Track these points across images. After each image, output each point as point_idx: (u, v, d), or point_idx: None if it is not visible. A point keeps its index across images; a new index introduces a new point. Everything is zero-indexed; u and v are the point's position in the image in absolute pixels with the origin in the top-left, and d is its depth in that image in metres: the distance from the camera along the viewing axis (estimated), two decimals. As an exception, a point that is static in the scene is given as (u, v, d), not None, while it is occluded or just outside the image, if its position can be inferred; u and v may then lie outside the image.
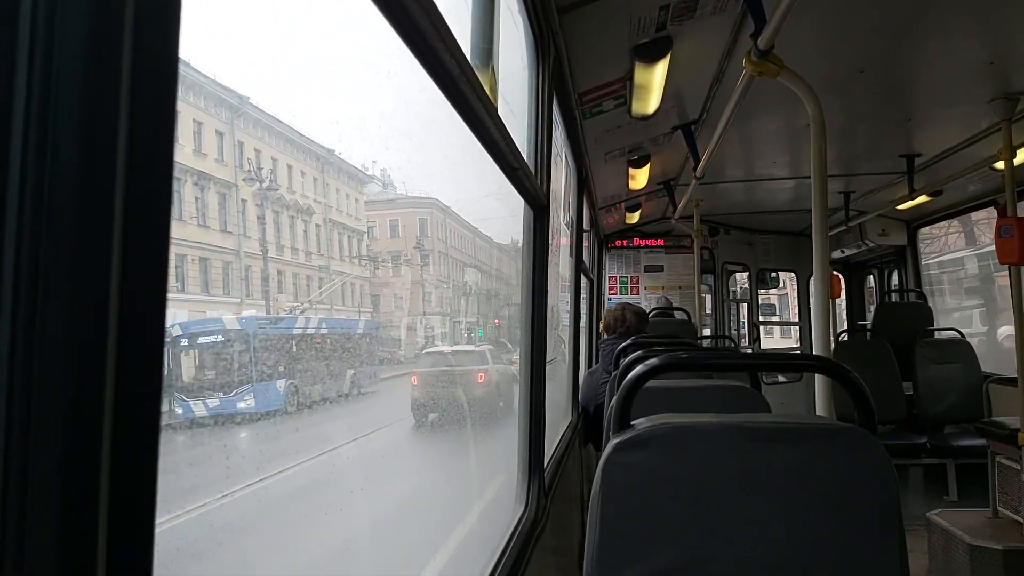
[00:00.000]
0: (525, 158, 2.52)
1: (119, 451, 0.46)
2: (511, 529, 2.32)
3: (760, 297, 11.22)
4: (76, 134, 0.45)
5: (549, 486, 2.99)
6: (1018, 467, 4.69)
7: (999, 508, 5.48)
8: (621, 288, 9.74)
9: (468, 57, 1.56)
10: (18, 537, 0.42)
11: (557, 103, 3.42)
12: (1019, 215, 4.57)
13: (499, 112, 1.91)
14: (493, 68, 1.95)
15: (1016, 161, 4.70)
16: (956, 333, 8.00)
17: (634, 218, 8.66)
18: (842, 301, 11.00)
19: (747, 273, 10.02)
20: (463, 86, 1.48)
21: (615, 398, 1.66)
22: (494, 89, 1.93)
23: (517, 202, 2.83)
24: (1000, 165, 4.67)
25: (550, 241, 3.21)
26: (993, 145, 4.80)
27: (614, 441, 1.55)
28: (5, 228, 0.43)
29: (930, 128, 5.39)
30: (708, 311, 9.92)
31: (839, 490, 1.48)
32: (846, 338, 9.39)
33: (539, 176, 2.74)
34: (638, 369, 1.65)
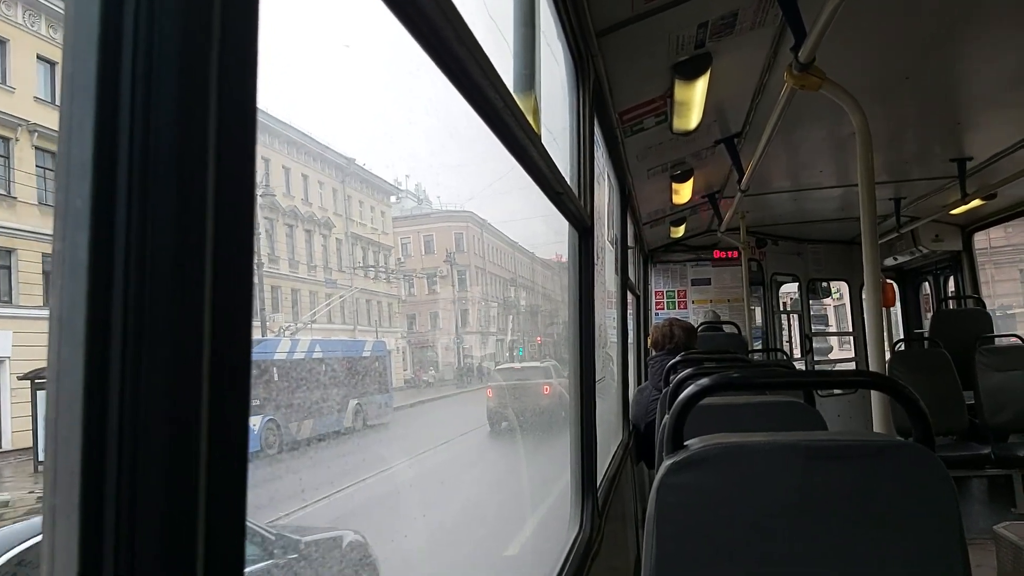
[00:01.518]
0: (568, 181, 2.56)
1: (214, 462, 0.50)
2: (567, 550, 2.33)
3: (812, 307, 11.02)
4: (173, 164, 0.50)
5: (603, 506, 2.99)
6: (1091, 478, 4.52)
7: (1072, 521, 5.28)
8: (668, 303, 9.67)
9: (510, 86, 1.61)
10: (129, 540, 0.47)
11: (598, 124, 3.46)
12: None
13: (542, 138, 1.95)
14: (535, 95, 1.99)
15: None
16: (1018, 339, 7.75)
17: (679, 232, 8.62)
18: (898, 309, 10.74)
19: (797, 284, 9.85)
20: (507, 118, 1.52)
21: (667, 418, 1.67)
22: (537, 115, 1.98)
23: (562, 223, 2.87)
24: (1057, 166, 4.54)
25: (595, 259, 3.24)
26: (1049, 145, 4.68)
27: (668, 462, 1.56)
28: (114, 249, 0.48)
29: (980, 131, 5.28)
30: (758, 323, 9.78)
31: (898, 508, 1.46)
32: (902, 347, 9.16)
33: (582, 198, 2.77)
34: (689, 390, 1.66)
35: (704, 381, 1.65)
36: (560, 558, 2.24)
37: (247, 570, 0.56)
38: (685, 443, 1.59)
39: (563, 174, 2.28)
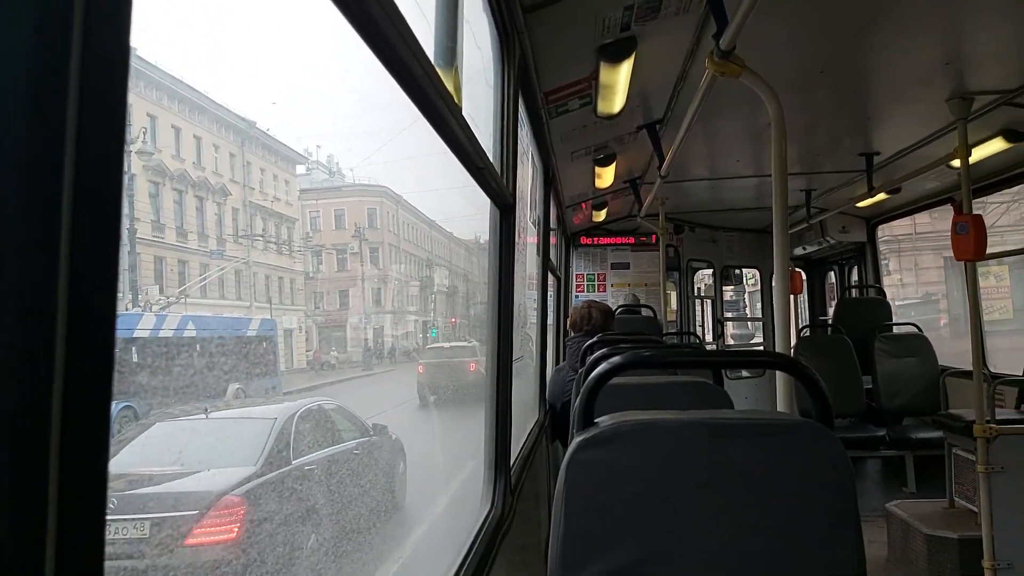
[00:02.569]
0: (491, 157, 2.53)
1: (67, 452, 0.45)
2: (477, 527, 2.32)
3: (725, 293, 11.38)
4: (25, 130, 0.44)
5: (516, 484, 3.00)
6: (973, 459, 4.82)
7: (955, 498, 5.64)
8: (588, 286, 9.80)
9: (432, 58, 1.56)
10: None
11: (523, 102, 3.43)
12: (974, 212, 4.69)
13: (464, 112, 1.92)
14: (457, 68, 1.95)
15: (971, 159, 4.82)
16: (914, 328, 8.20)
17: (601, 216, 8.72)
18: (805, 297, 11.21)
19: (712, 270, 10.15)
20: (427, 87, 1.48)
21: (579, 396, 1.67)
22: (458, 89, 1.93)
23: (483, 201, 2.84)
24: (956, 163, 4.79)
25: (517, 239, 3.23)
26: (949, 143, 4.92)
27: (578, 439, 1.56)
28: None
29: (889, 127, 5.51)
30: (674, 308, 10.02)
31: (798, 484, 1.51)
32: (808, 333, 9.57)
33: (505, 175, 2.75)
34: (601, 367, 1.67)
35: (616, 359, 1.66)
36: (471, 535, 2.24)
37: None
38: (596, 420, 1.60)
39: (486, 151, 2.25)
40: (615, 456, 1.53)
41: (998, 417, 5.10)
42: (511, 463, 2.95)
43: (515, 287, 3.26)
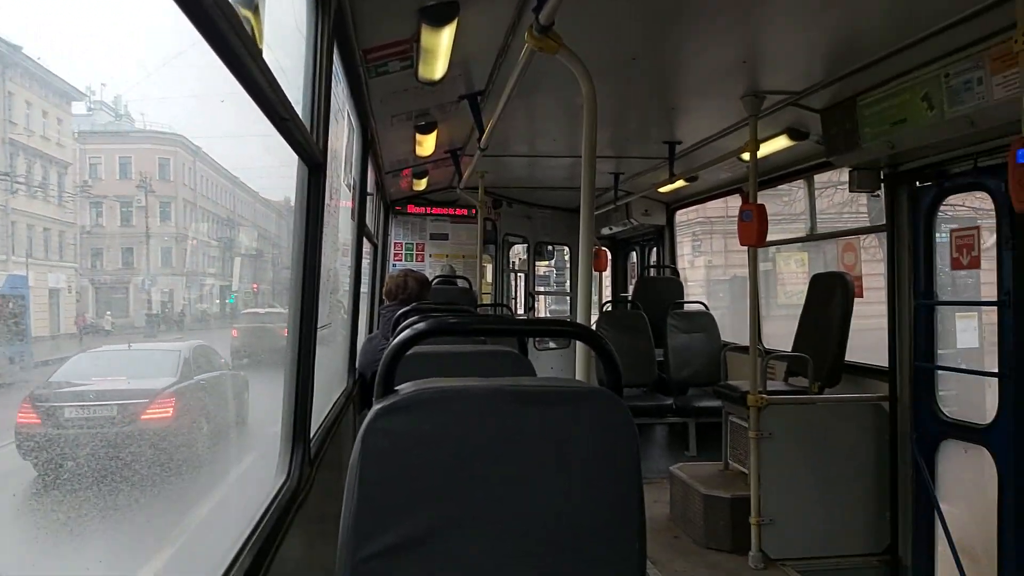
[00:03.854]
0: (300, 111, 2.38)
1: None
2: (269, 499, 2.21)
3: (539, 268, 11.75)
4: None
5: (316, 454, 2.90)
6: (746, 426, 5.36)
7: (729, 462, 6.25)
8: (407, 255, 9.73)
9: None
10: None
11: (339, 57, 3.27)
12: (759, 203, 5.16)
13: (269, 60, 1.78)
14: (259, 9, 1.80)
15: (760, 154, 5.29)
16: (702, 305, 8.95)
17: (421, 185, 8.65)
18: (611, 275, 11.87)
19: (526, 245, 10.43)
20: (220, 24, 1.34)
21: (380, 363, 1.62)
22: (260, 32, 1.79)
23: (291, 158, 2.67)
24: (746, 156, 5.23)
25: (328, 201, 3.09)
26: (742, 138, 5.36)
27: (376, 407, 1.52)
28: None
29: (690, 118, 5.89)
30: (489, 280, 10.21)
31: (590, 448, 1.57)
32: (610, 308, 10.15)
33: (315, 132, 2.61)
34: (404, 334, 1.63)
35: (419, 326, 1.63)
36: (262, 507, 2.13)
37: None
38: (396, 388, 1.56)
39: (294, 104, 2.11)
40: (413, 423, 1.50)
41: (769, 388, 5.71)
42: (312, 433, 2.85)
43: (325, 251, 3.13)
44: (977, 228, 4.75)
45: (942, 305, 5.15)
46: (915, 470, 5.11)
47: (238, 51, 1.48)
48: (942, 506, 4.92)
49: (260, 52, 1.62)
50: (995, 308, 4.51)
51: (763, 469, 5.21)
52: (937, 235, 5.12)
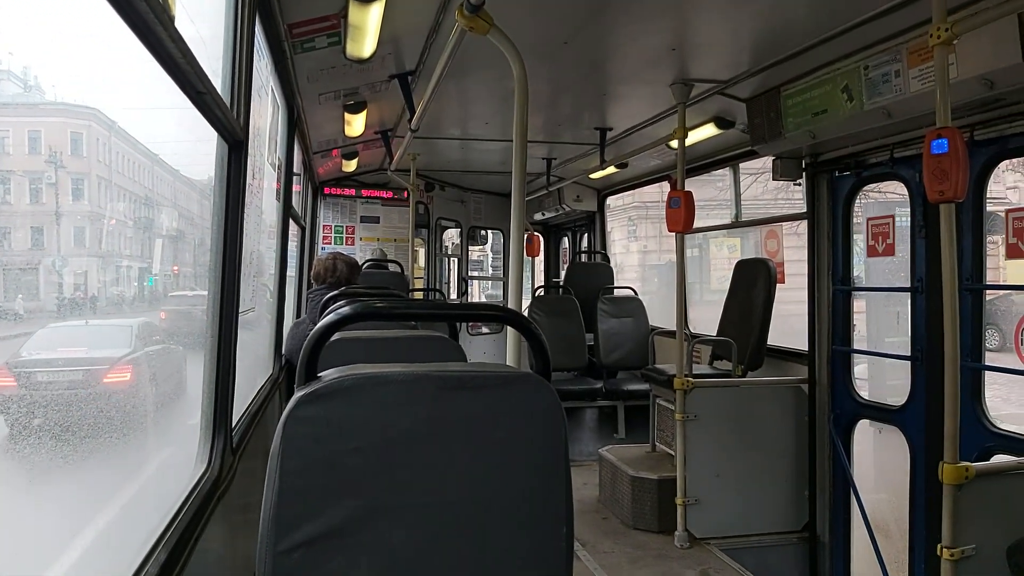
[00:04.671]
0: (219, 86, 2.27)
1: None
2: (188, 489, 2.13)
3: (472, 253, 11.70)
4: None
5: (238, 443, 2.81)
6: (673, 408, 5.47)
7: (656, 444, 6.38)
8: (336, 238, 9.53)
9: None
10: None
11: (262, 30, 3.15)
12: (687, 190, 5.24)
13: (182, 29, 1.68)
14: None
15: (688, 142, 5.37)
16: (631, 291, 9.08)
17: (351, 166, 8.47)
18: (543, 260, 11.91)
19: (459, 229, 10.36)
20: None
21: (302, 349, 1.57)
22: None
23: (210, 135, 2.56)
24: (675, 144, 5.29)
25: (250, 180, 2.97)
26: (671, 125, 5.42)
27: (298, 394, 1.47)
28: None
29: (621, 104, 5.93)
30: (422, 265, 10.11)
31: (518, 433, 1.56)
32: (542, 293, 10.20)
33: (235, 107, 2.50)
34: (329, 318, 1.58)
35: (345, 310, 1.58)
36: (180, 497, 2.04)
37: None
38: (319, 375, 1.51)
39: (212, 78, 2.01)
40: (336, 411, 1.46)
41: (695, 372, 5.83)
42: (235, 421, 2.75)
43: (248, 232, 3.02)
44: (891, 217, 4.95)
45: (858, 291, 5.35)
46: (832, 450, 5.32)
47: (146, 17, 1.39)
48: (857, 484, 5.14)
49: (172, 19, 1.52)
50: (909, 294, 4.72)
51: (689, 450, 5.33)
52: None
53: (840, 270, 5.28)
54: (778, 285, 5.87)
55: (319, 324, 1.56)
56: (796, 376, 5.64)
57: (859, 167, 5.04)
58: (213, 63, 2.42)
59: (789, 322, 6.12)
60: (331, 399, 1.45)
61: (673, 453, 5.58)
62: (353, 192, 9.50)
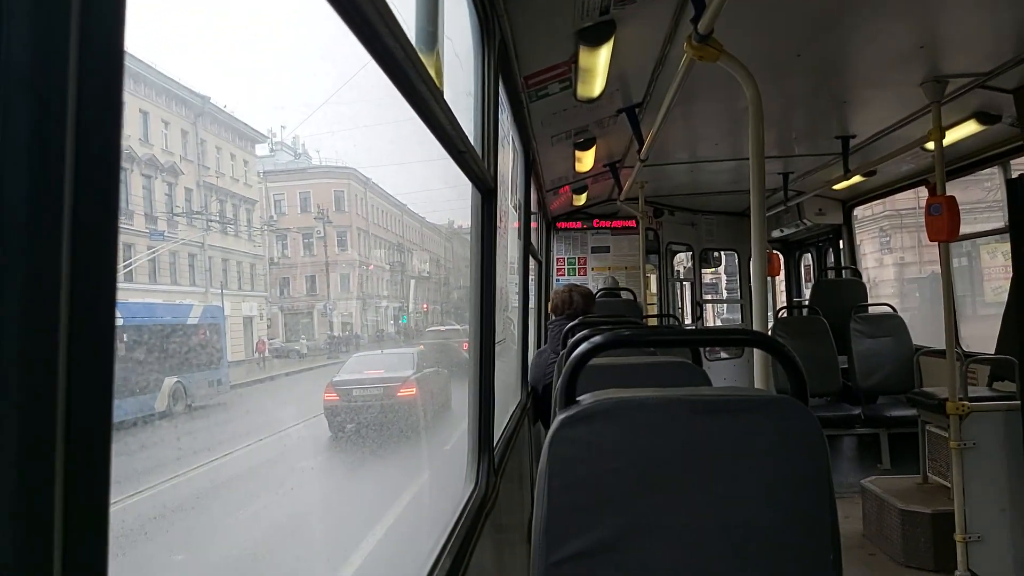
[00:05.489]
0: (472, 141, 2.54)
1: (72, 450, 0.47)
2: (461, 506, 2.36)
3: (705, 276, 11.46)
4: (26, 131, 0.45)
5: (499, 464, 3.04)
6: (946, 435, 4.93)
7: (928, 474, 5.77)
8: (569, 269, 9.85)
9: (413, 41, 1.57)
10: None
11: (503, 86, 3.44)
12: (948, 194, 4.77)
13: (445, 96, 1.93)
14: (438, 52, 1.96)
15: (945, 142, 4.89)
16: (889, 308, 8.33)
17: (581, 200, 8.75)
18: (783, 279, 11.34)
19: (691, 253, 10.22)
20: (408, 70, 1.49)
21: (562, 375, 1.70)
22: (440, 72, 1.94)
23: (465, 186, 2.85)
24: (930, 145, 4.86)
25: (499, 223, 3.24)
26: (924, 126, 4.99)
27: (560, 417, 1.59)
28: None
29: (864, 110, 5.57)
30: (653, 291, 10.11)
31: (774, 458, 1.55)
32: (785, 314, 9.69)
33: (486, 159, 2.76)
34: (583, 347, 1.70)
35: (597, 339, 1.69)
36: (455, 513, 2.27)
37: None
38: (578, 399, 1.63)
39: (467, 135, 2.26)
40: (596, 433, 1.56)
41: (971, 395, 5.22)
42: (494, 443, 2.99)
43: (497, 271, 3.28)
44: None
45: None
46: None
47: (423, 95, 1.63)
48: None
49: (441, 93, 1.77)
50: None
51: (967, 482, 4.77)
52: None
53: None
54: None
55: (576, 352, 1.69)
56: None
57: None
58: (466, 122, 2.71)
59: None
60: (592, 421, 1.57)
61: (948, 485, 5.02)
62: (583, 224, 9.78)
